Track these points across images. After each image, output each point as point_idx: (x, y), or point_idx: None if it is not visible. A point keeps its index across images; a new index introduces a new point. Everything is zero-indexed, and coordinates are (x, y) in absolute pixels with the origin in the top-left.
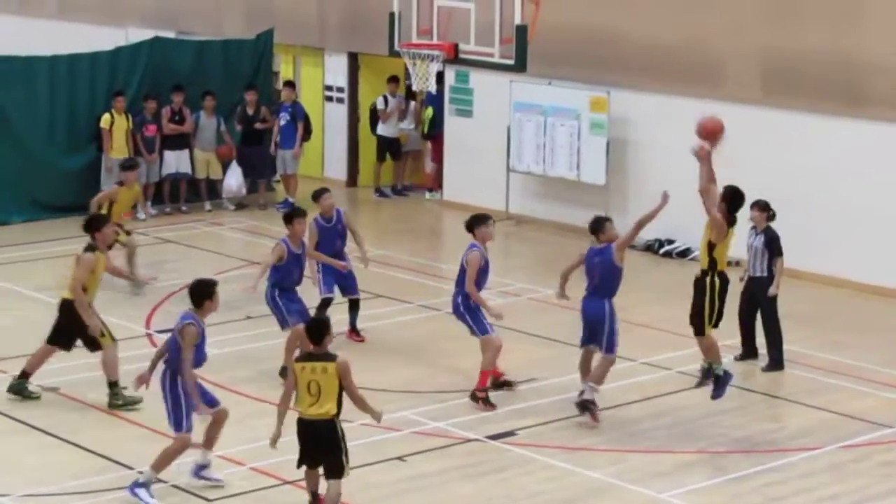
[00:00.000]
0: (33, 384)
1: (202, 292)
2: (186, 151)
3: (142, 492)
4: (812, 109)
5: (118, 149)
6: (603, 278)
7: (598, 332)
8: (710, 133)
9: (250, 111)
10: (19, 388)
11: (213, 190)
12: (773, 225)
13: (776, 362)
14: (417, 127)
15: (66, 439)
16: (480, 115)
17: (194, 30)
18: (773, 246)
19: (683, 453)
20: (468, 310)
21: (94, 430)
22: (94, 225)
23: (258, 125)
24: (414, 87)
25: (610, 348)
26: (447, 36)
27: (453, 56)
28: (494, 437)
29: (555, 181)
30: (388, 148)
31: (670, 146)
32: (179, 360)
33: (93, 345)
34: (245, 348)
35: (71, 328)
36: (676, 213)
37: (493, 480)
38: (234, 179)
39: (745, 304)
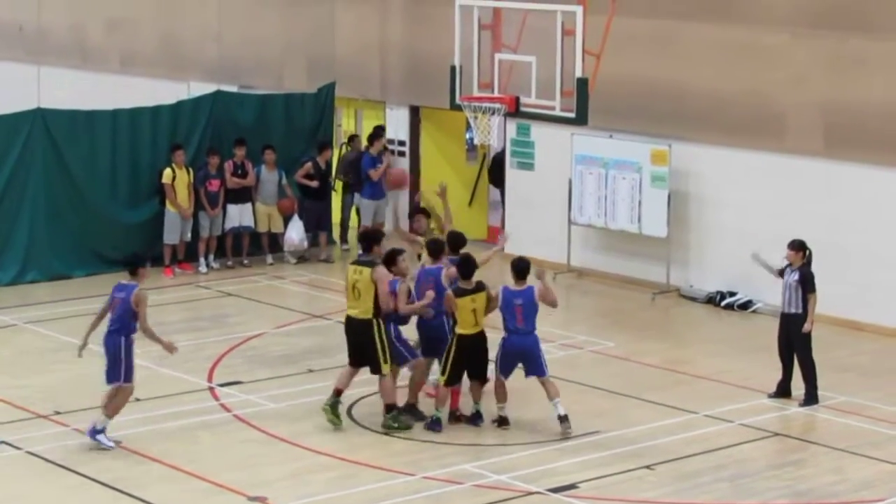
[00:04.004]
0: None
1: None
2: (249, 205)
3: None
4: (874, 162)
5: (181, 202)
6: None
7: None
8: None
9: (323, 166)
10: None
11: (274, 243)
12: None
13: (811, 397)
14: None
15: (131, 494)
16: (542, 168)
17: (256, 84)
18: (806, 283)
19: None
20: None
21: (158, 484)
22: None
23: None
24: (476, 141)
25: None
26: (508, 89)
27: (514, 109)
28: (556, 490)
29: (616, 234)
30: None
31: (732, 199)
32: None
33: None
34: (306, 401)
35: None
36: (738, 265)
37: None
38: (295, 233)
39: (782, 342)
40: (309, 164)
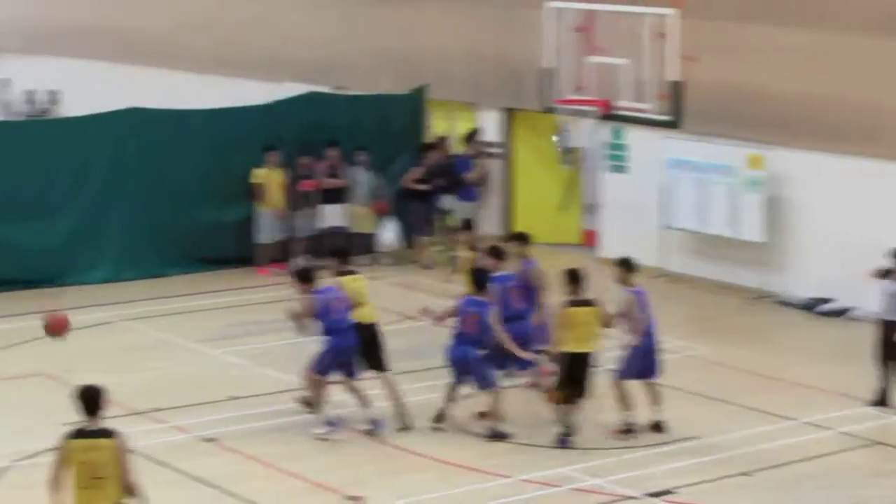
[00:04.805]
0: None
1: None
2: (342, 206)
3: None
4: None
5: (274, 202)
6: None
7: None
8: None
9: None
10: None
11: (368, 244)
12: None
13: None
14: None
15: (228, 490)
16: (636, 172)
17: (349, 85)
18: None
19: None
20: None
21: (254, 481)
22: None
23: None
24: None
25: None
26: (601, 92)
27: (607, 112)
28: (653, 495)
29: (711, 238)
30: None
31: (828, 204)
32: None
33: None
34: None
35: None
36: (835, 271)
37: None
38: (389, 234)
39: (880, 349)
40: (419, 168)
